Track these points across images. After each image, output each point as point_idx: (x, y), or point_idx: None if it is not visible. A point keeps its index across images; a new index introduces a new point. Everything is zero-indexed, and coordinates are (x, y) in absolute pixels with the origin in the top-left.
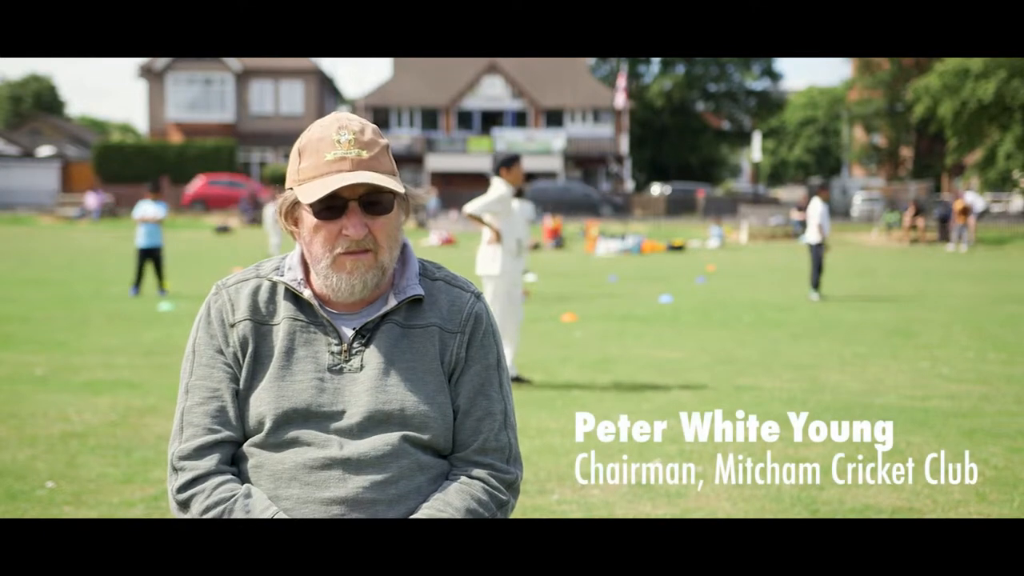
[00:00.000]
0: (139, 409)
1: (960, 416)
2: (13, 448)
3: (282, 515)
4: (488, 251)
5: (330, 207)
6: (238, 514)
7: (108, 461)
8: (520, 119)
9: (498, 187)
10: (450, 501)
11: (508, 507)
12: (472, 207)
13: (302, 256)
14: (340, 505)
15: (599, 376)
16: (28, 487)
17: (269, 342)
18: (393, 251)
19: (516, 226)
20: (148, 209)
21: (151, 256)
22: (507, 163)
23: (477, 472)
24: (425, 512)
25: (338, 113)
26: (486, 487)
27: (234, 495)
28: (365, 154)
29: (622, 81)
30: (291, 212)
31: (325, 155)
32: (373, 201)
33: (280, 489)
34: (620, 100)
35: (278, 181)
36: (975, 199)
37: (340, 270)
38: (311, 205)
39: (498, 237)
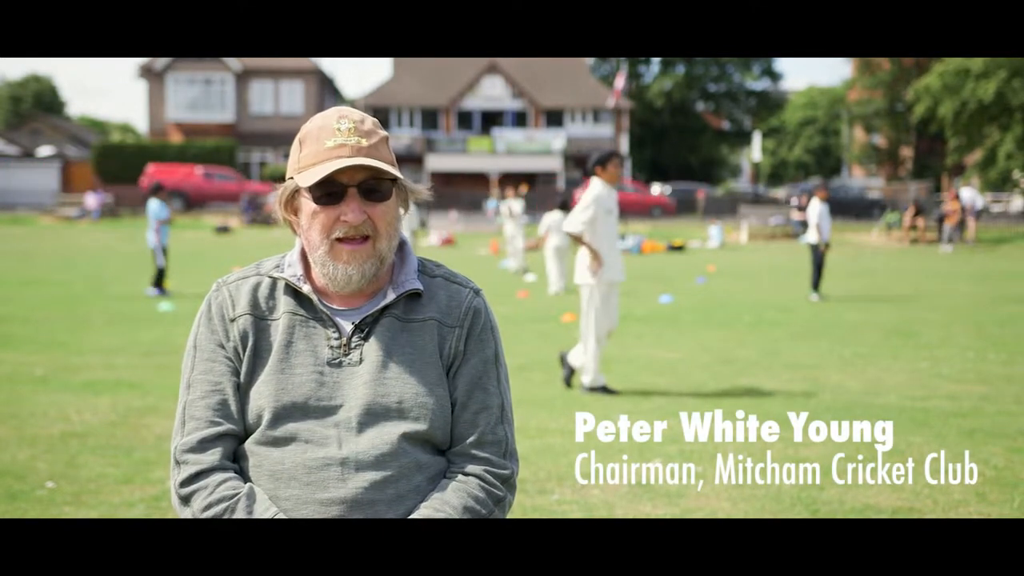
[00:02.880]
0: (139, 409)
1: (960, 416)
2: (13, 448)
3: (282, 516)
4: (586, 260)
5: (329, 193)
6: (240, 514)
7: (108, 461)
8: (520, 119)
9: (594, 187)
10: (448, 500)
11: (505, 503)
12: (572, 225)
13: (302, 252)
14: (339, 505)
15: None
16: (28, 487)
17: (269, 336)
18: (391, 240)
19: (611, 227)
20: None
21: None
22: (602, 161)
23: (473, 468)
24: (423, 512)
25: (339, 107)
26: (483, 484)
27: (237, 494)
28: (364, 142)
29: (619, 81)
30: (291, 201)
31: (325, 142)
32: (372, 188)
33: (279, 489)
34: (611, 101)
35: (279, 180)
36: (975, 197)
37: (337, 259)
38: (310, 190)
39: (596, 258)
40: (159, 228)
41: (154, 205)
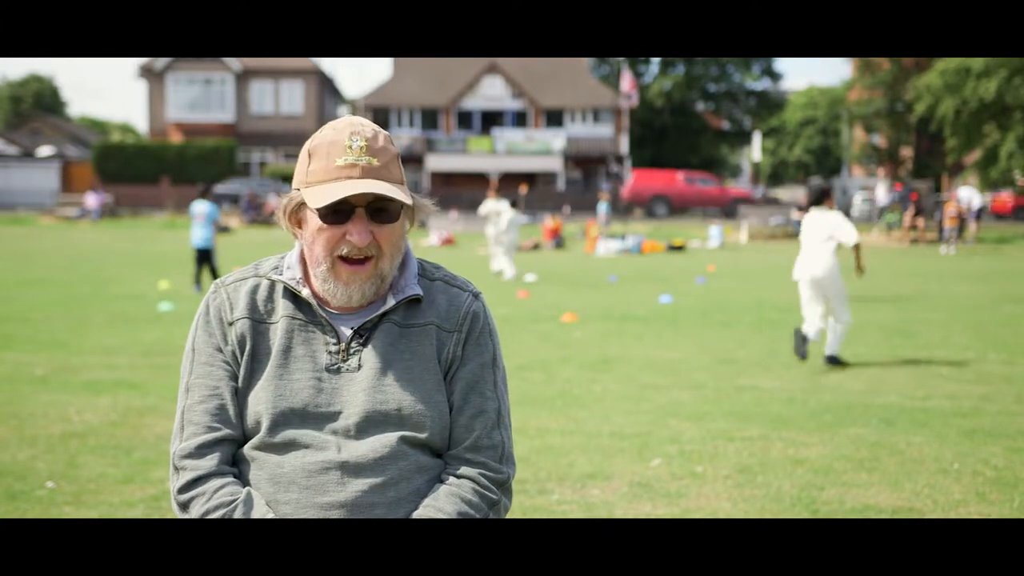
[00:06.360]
0: (139, 409)
1: (960, 416)
2: (13, 448)
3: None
4: (837, 261)
5: (336, 211)
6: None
7: (108, 461)
8: (520, 119)
9: (835, 212)
10: (440, 506)
11: (500, 507)
12: (852, 237)
13: (301, 255)
14: (339, 509)
15: (599, 376)
16: (28, 487)
17: (267, 341)
18: (395, 259)
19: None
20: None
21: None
22: (829, 193)
23: (468, 471)
24: (417, 516)
25: (351, 117)
26: (476, 487)
27: (234, 500)
28: (375, 162)
29: (625, 83)
30: (295, 213)
31: (336, 160)
32: (380, 209)
33: (279, 493)
34: (626, 101)
35: (286, 180)
36: (973, 195)
37: (338, 279)
38: (318, 209)
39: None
40: (213, 229)
41: (206, 207)
